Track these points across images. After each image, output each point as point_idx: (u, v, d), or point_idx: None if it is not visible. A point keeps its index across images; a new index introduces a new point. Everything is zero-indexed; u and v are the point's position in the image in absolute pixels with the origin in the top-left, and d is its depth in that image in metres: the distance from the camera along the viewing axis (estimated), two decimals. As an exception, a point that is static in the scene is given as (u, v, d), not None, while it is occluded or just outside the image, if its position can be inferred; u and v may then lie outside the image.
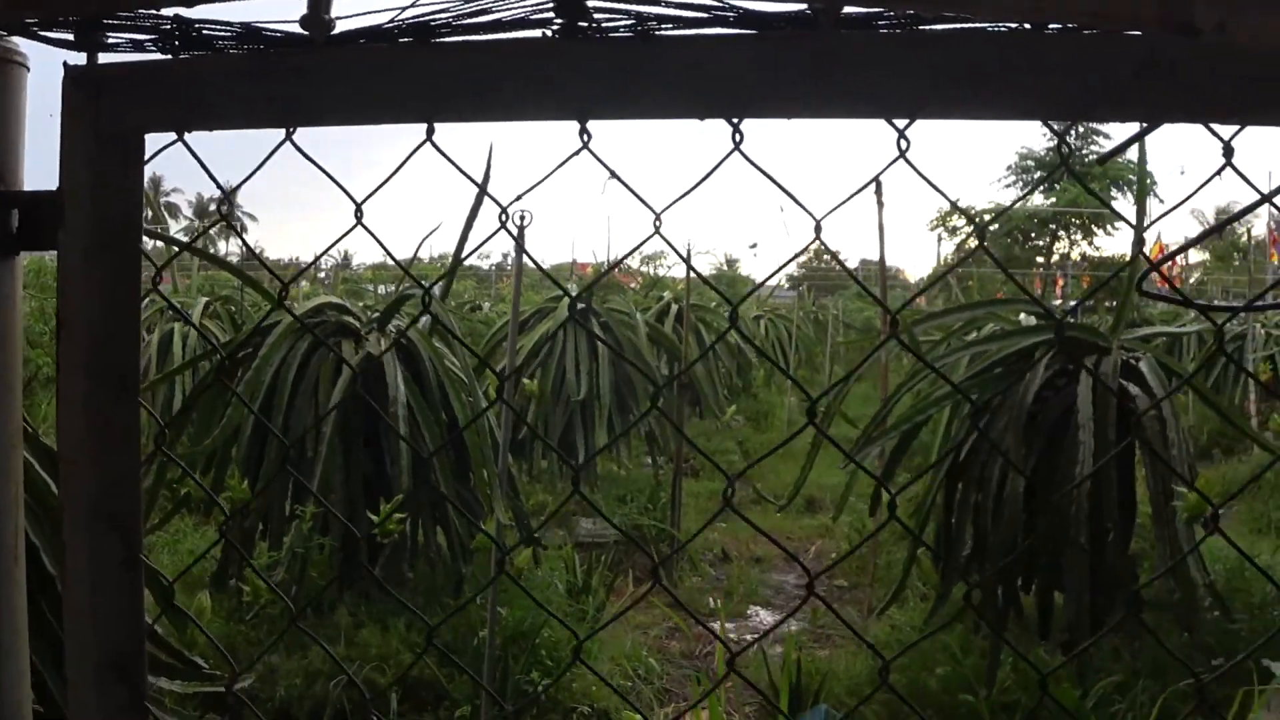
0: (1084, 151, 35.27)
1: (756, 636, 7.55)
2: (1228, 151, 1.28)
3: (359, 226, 1.47)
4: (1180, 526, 5.53)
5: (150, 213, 25.00)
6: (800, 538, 11.06)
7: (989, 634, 5.78)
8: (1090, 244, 35.77)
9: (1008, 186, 37.97)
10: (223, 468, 6.55)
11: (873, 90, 1.31)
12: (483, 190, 5.80)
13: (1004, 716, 5.36)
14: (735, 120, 1.35)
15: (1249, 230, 34.18)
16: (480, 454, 6.50)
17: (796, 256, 1.41)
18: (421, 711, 5.86)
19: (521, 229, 5.55)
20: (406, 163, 1.45)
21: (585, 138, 1.38)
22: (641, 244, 1.42)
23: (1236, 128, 1.28)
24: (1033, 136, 37.66)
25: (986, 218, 34.42)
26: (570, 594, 7.41)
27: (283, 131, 1.49)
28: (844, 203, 1.39)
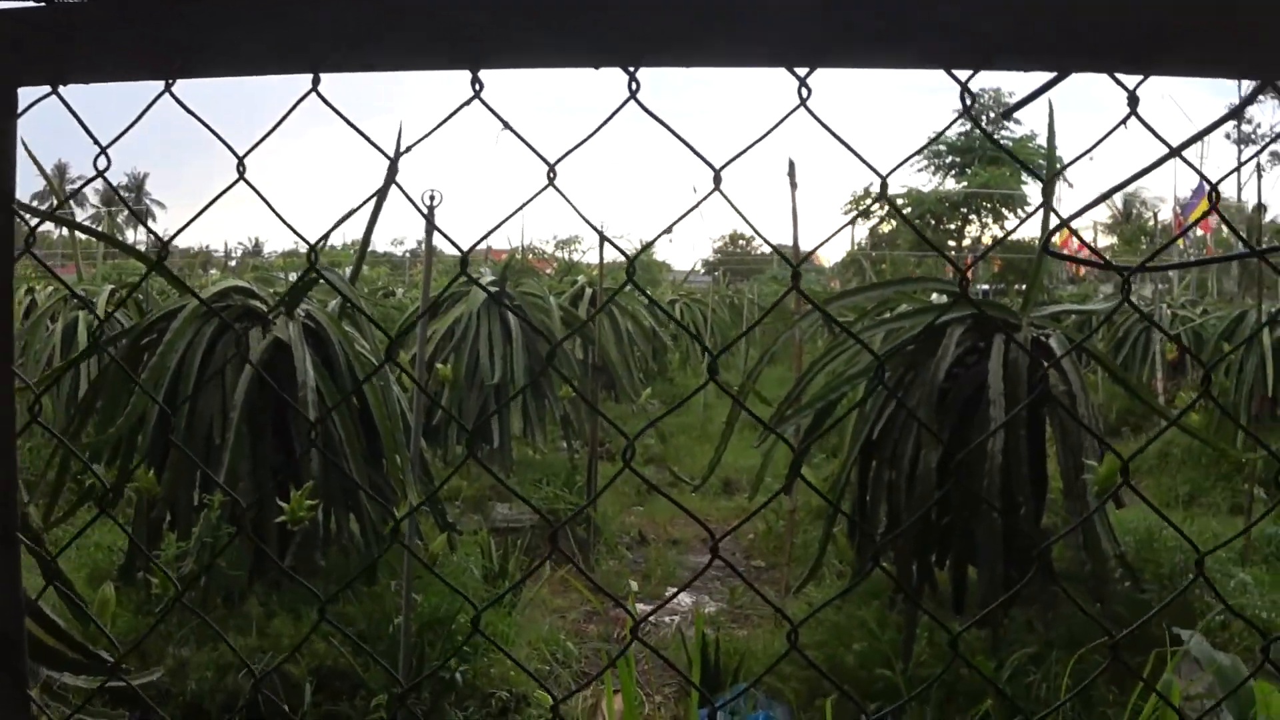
0: (995, 135, 35.69)
1: (663, 606, 7.55)
2: (1132, 100, 1.27)
3: (241, 181, 1.41)
4: (1091, 499, 5.59)
5: (55, 200, 24.48)
6: (717, 519, 11.07)
7: (904, 609, 5.81)
8: (1001, 227, 36.20)
9: (919, 170, 38.32)
10: (128, 457, 6.41)
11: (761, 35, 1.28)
12: (393, 164, 5.72)
13: (920, 690, 5.39)
14: (631, 69, 1.31)
15: (1155, 215, 34.84)
16: (393, 439, 6.41)
17: (698, 205, 1.36)
18: (338, 701, 5.77)
19: (431, 209, 5.48)
20: (292, 112, 1.40)
21: (477, 87, 1.34)
22: (536, 195, 1.35)
23: (1140, 78, 1.27)
24: (944, 119, 37.97)
25: (900, 200, 34.74)
26: (486, 579, 7.35)
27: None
28: (743, 152, 1.35)
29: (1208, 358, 14.35)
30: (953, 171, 36.06)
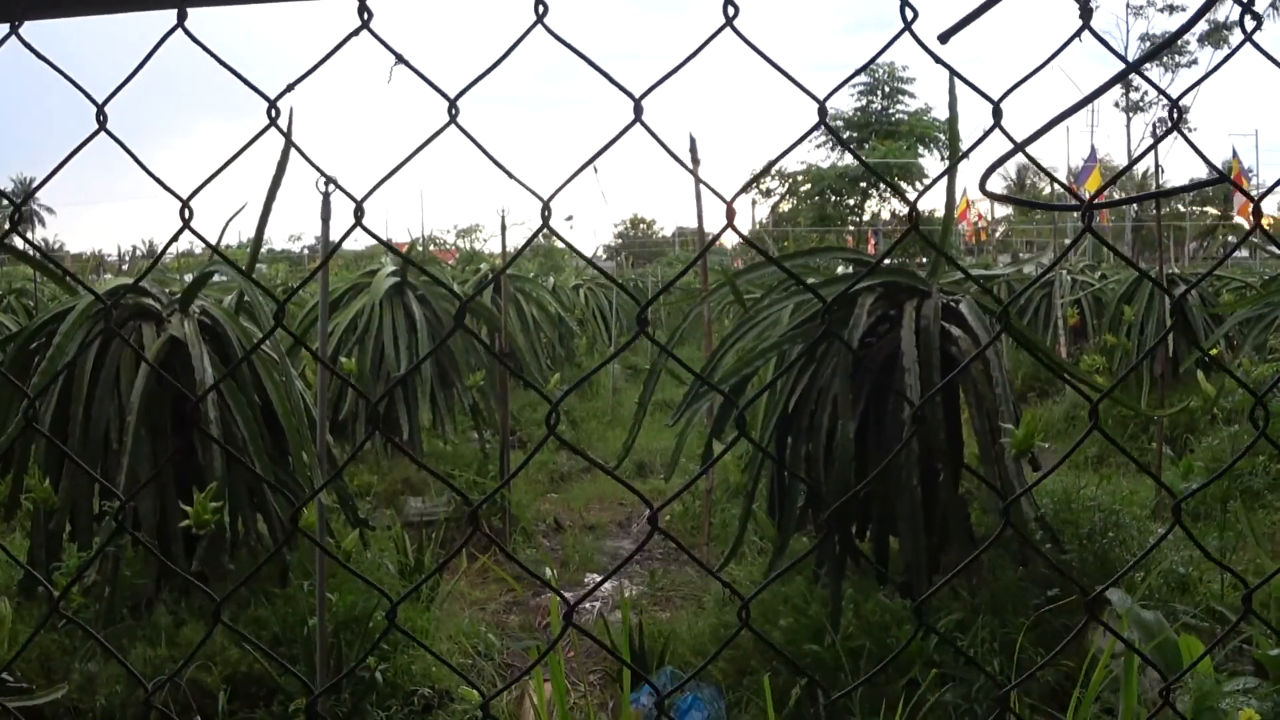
0: (890, 111, 35.97)
1: (592, 591, 7.46)
2: (1085, 13, 1.17)
3: (102, 131, 1.26)
4: (1009, 462, 5.57)
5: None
6: (633, 503, 11.01)
7: (829, 583, 5.75)
8: (902, 200, 36.51)
9: (818, 146, 38.47)
10: (22, 466, 6.17)
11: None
12: (286, 152, 5.54)
13: (850, 662, 5.34)
14: (539, -9, 1.18)
15: (1052, 182, 35.31)
16: (298, 435, 6.23)
17: (621, 134, 1.25)
18: (254, 707, 5.62)
19: (327, 195, 5.31)
20: (159, 48, 1.25)
21: (365, 16, 1.21)
22: (439, 132, 1.23)
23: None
24: (842, 99, 38.20)
25: (799, 177, 34.92)
26: (402, 574, 7.21)
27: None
28: (665, 79, 1.24)
29: (1109, 320, 14.61)
30: (850, 146, 36.25)
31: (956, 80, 6.34)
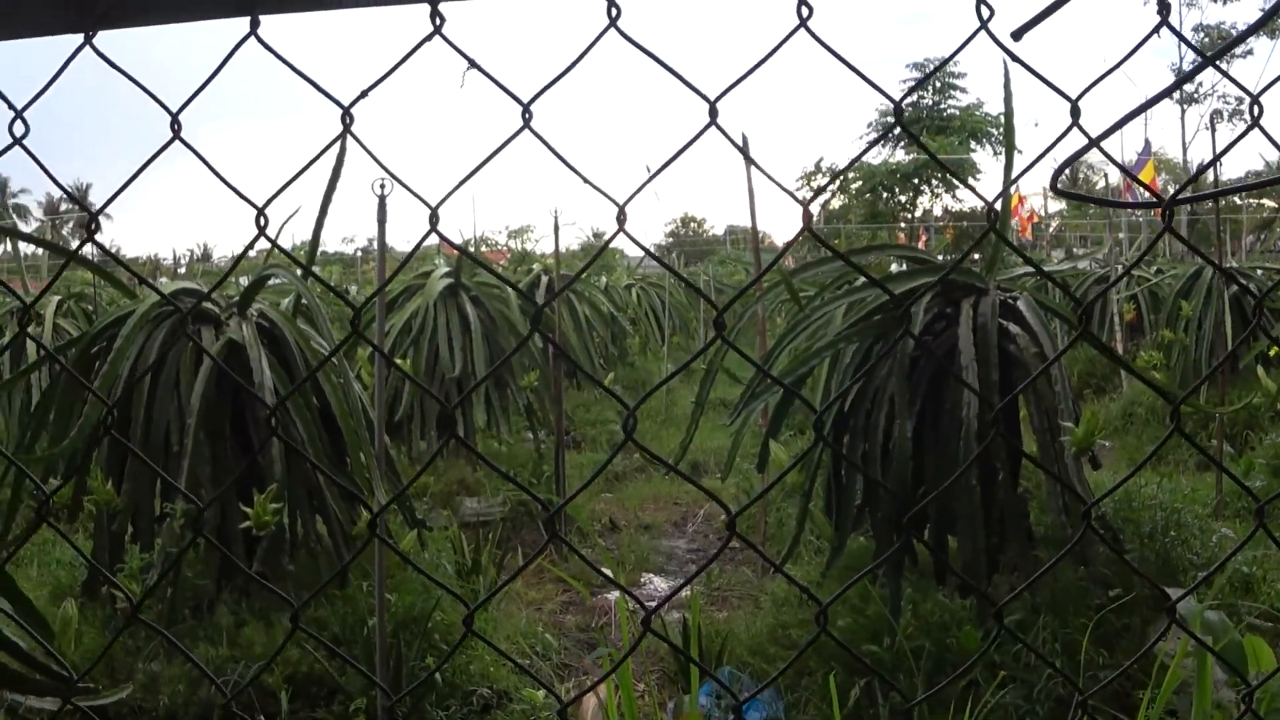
0: (941, 106, 35.78)
1: (665, 595, 7.43)
2: (1163, 8, 1.15)
3: (177, 140, 1.27)
4: (1069, 461, 5.52)
5: (-4, 216, 24.11)
6: (687, 502, 11.01)
7: (887, 583, 5.72)
8: (953, 197, 36.32)
9: (870, 143, 38.37)
10: (85, 470, 6.24)
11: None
12: (341, 157, 5.57)
13: (909, 663, 5.31)
14: (611, -6, 1.18)
15: (1106, 177, 35.01)
16: (355, 437, 6.26)
17: (696, 138, 1.24)
18: (315, 708, 5.65)
19: (383, 198, 5.34)
20: (233, 55, 1.26)
21: (437, 21, 1.21)
22: (514, 137, 1.23)
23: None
24: (893, 94, 38.00)
25: (850, 175, 34.75)
26: (460, 575, 7.23)
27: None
28: (739, 81, 1.23)
29: (1166, 316, 14.43)
30: (901, 143, 36.09)
31: (1009, 74, 6.30)
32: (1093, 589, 5.56)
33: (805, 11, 1.18)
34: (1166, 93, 1.32)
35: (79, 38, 1.23)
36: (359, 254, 38.09)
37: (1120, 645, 5.35)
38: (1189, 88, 49.34)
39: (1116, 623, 5.38)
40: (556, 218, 10.66)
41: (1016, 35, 1.22)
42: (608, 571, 8.17)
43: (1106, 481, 7.12)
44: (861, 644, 5.51)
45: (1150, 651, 4.43)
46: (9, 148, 1.32)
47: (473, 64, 1.24)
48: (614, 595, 7.84)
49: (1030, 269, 7.14)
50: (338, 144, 1.33)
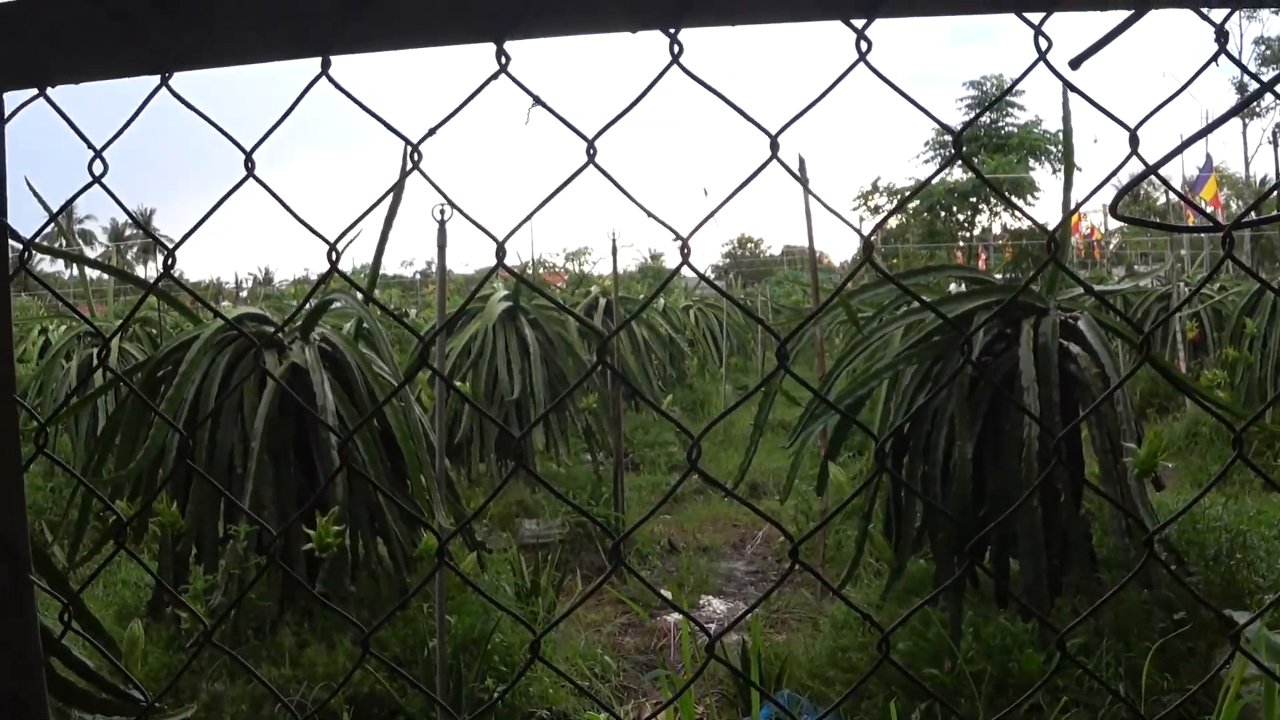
0: (999, 124, 35.57)
1: (730, 621, 7.45)
2: (1220, 36, 1.16)
3: (250, 178, 1.31)
4: (1132, 482, 5.47)
5: (64, 240, 24.51)
6: (746, 524, 10.98)
7: (948, 606, 5.69)
8: (1012, 215, 36.07)
9: (926, 162, 38.18)
10: (150, 491, 6.33)
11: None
12: (400, 186, 5.63)
13: (970, 687, 5.27)
14: (673, 30, 1.20)
15: (1166, 193, 34.63)
16: (416, 459, 6.31)
17: (757, 173, 1.25)
18: (375, 728, 5.69)
19: (443, 224, 5.39)
20: (304, 97, 1.29)
21: (503, 60, 1.23)
22: (578, 173, 1.25)
23: (1226, 12, 1.16)
24: (949, 111, 37.83)
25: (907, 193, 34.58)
26: (519, 597, 7.26)
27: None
28: (800, 114, 1.25)
29: (1229, 334, 14.21)
30: (959, 162, 35.90)
31: (1071, 95, 6.27)
32: (1157, 612, 5.51)
33: (864, 46, 1.20)
34: (1219, 123, 1.32)
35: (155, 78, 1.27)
36: (418, 277, 38.37)
37: (1185, 670, 5.29)
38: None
39: (1181, 646, 5.32)
40: (614, 240, 10.76)
41: (1074, 64, 1.22)
42: (668, 594, 8.17)
43: (1170, 503, 7.06)
44: (922, 667, 5.48)
45: (1216, 676, 4.37)
46: (88, 186, 1.36)
47: (538, 101, 1.26)
48: (673, 617, 7.83)
49: (1090, 289, 7.09)
50: (397, 182, 1.36)
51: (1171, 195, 29.13)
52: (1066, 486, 5.81)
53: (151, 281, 6.81)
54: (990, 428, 5.88)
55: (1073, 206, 5.90)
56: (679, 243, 1.27)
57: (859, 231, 1.27)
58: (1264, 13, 47.83)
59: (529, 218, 1.29)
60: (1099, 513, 6.25)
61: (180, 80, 1.33)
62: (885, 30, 1.22)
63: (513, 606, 6.85)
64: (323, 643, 6.00)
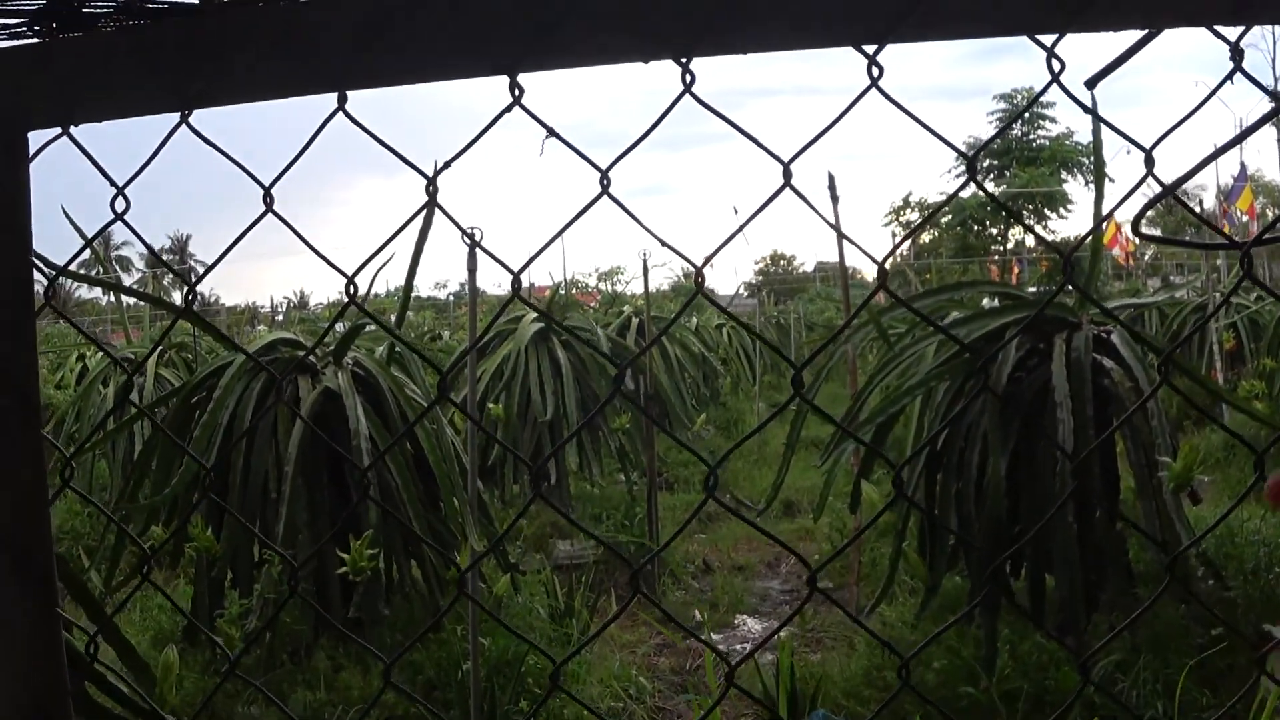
0: (1030, 137, 35.45)
1: (751, 647, 7.41)
2: (1236, 54, 1.16)
3: (269, 213, 1.32)
4: (1168, 496, 5.42)
5: (100, 268, 24.74)
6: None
7: (983, 623, 5.65)
8: (1045, 228, 35.88)
9: (957, 177, 38.07)
10: (185, 517, 6.37)
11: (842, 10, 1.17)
12: (430, 214, 5.66)
13: (1006, 705, 5.24)
14: (684, 60, 1.21)
15: (1200, 202, 34.42)
16: (449, 482, 6.33)
17: (769, 202, 1.26)
18: (411, 751, 5.70)
19: (473, 248, 5.41)
20: (319, 134, 1.30)
21: (516, 92, 1.24)
22: (592, 203, 1.26)
23: (1240, 30, 1.15)
24: (979, 125, 37.78)
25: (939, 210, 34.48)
26: (553, 618, 7.25)
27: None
28: (813, 142, 1.25)
29: (1267, 344, 14.06)
30: (990, 175, 35.78)
31: (1097, 110, 6.25)
32: (1194, 628, 5.46)
33: (876, 72, 1.20)
34: (1231, 145, 1.31)
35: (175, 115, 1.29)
36: (451, 299, 38.50)
37: (1224, 686, 5.24)
38: (1285, 111, 48.22)
39: (1220, 663, 5.27)
40: (645, 260, 10.71)
41: (1090, 84, 1.22)
42: (696, 619, 8.15)
43: (1208, 516, 6.99)
44: (958, 685, 5.45)
45: (1254, 691, 4.33)
46: (110, 224, 1.37)
47: (552, 132, 1.27)
48: (711, 636, 7.83)
49: (1124, 302, 7.06)
50: (424, 211, 1.37)
51: (1206, 203, 28.95)
52: (1101, 502, 5.77)
53: (182, 307, 6.85)
54: (1024, 443, 5.85)
55: (1099, 221, 5.88)
56: (694, 272, 1.27)
57: (873, 259, 1.27)
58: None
59: (544, 249, 1.30)
60: (1133, 528, 6.21)
61: (228, 111, 1.35)
62: (907, 50, 1.22)
63: (547, 628, 6.85)
64: (358, 666, 6.02)
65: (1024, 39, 1.19)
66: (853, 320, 8.10)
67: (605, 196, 1.25)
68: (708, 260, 1.29)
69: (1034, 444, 5.80)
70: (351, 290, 1.31)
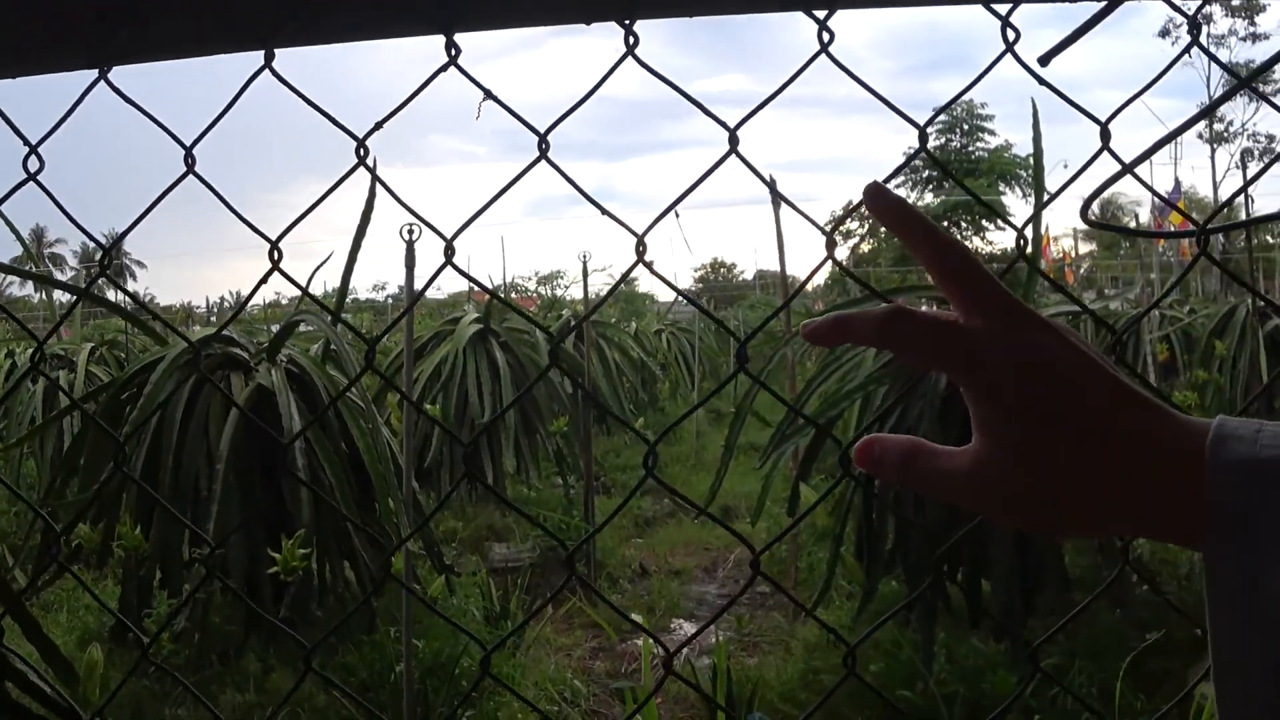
0: (969, 149, 35.81)
1: (692, 633, 7.35)
2: (1194, 27, 1.13)
3: (190, 174, 1.26)
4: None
5: (32, 265, 24.33)
6: (718, 547, 10.93)
7: (920, 627, 5.65)
8: (983, 239, 36.26)
9: (898, 186, 38.38)
10: (114, 515, 6.24)
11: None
12: (372, 195, 5.59)
13: (943, 708, 5.24)
14: (628, 22, 1.16)
15: (1136, 217, 34.90)
16: (384, 482, 6.25)
17: (716, 166, 1.22)
18: (342, 754, 5.62)
19: (411, 243, 5.34)
20: (243, 93, 1.25)
21: (452, 52, 1.19)
22: (530, 167, 1.21)
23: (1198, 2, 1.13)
24: (914, 132, 38.09)
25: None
26: (488, 620, 7.19)
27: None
28: (759, 108, 1.21)
29: (1200, 355, 14.24)
30: (929, 186, 36.11)
31: (1041, 116, 6.28)
32: (1130, 632, 5.49)
33: (826, 37, 1.17)
34: (1206, 112, 1.29)
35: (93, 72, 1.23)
36: (390, 301, 38.28)
37: (1161, 690, 5.27)
38: (1218, 127, 49.15)
39: (1155, 666, 5.30)
40: (585, 262, 10.67)
41: (1044, 60, 1.19)
42: (636, 618, 8.12)
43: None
44: (895, 689, 5.44)
45: (1190, 696, 4.35)
46: (23, 183, 1.31)
47: (489, 94, 1.22)
48: (642, 641, 7.79)
49: (1064, 308, 7.08)
50: (355, 176, 1.32)
51: (1141, 218, 29.29)
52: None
53: (122, 301, 6.76)
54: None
55: (1041, 204, 5.91)
56: (635, 242, 1.23)
57: (820, 227, 1.24)
58: (1231, 40, 48.31)
59: (479, 213, 1.25)
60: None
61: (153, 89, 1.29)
62: (856, 56, 1.19)
63: (482, 631, 6.78)
64: (289, 668, 5.93)
65: (966, 53, 1.16)
66: (787, 305, 8.11)
67: (544, 160, 1.21)
68: (649, 229, 1.25)
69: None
70: (275, 256, 1.25)
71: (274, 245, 1.26)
